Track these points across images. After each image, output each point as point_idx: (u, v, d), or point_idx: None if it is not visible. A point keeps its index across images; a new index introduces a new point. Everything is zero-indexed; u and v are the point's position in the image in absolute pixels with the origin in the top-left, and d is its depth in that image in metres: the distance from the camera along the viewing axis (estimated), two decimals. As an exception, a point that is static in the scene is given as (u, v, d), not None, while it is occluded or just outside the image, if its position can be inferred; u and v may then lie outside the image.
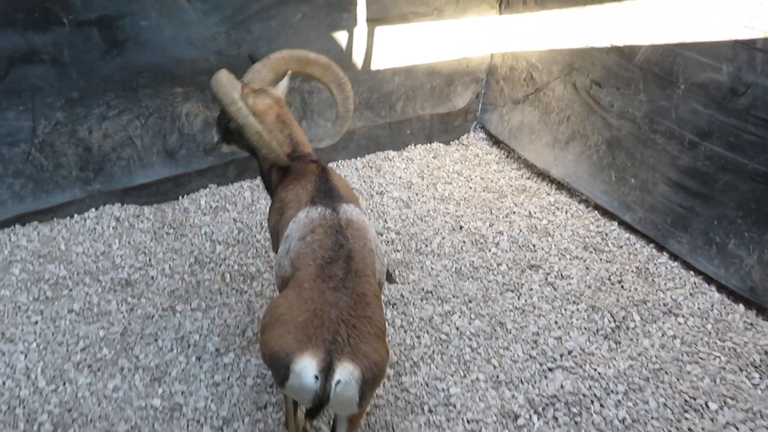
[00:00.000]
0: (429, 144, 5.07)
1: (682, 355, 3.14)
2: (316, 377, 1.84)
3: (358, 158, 4.79)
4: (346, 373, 1.85)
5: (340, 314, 1.95)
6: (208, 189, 4.30)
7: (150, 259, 3.64)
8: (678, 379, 3.00)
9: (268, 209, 2.79)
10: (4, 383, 2.84)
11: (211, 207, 4.14)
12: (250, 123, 2.45)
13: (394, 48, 4.40)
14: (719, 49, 3.24)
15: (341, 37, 4.16)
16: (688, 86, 3.44)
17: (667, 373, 3.04)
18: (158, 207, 4.09)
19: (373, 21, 4.21)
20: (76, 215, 3.90)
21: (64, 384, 2.86)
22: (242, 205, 4.17)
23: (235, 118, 2.45)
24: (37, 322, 3.18)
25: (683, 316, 3.38)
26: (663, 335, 3.26)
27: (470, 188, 4.56)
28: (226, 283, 3.52)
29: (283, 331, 1.94)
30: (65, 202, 3.82)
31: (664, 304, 3.46)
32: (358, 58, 4.32)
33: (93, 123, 3.66)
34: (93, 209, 3.95)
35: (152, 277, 3.52)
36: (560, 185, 4.55)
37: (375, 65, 4.41)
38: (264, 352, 2.02)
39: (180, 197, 4.20)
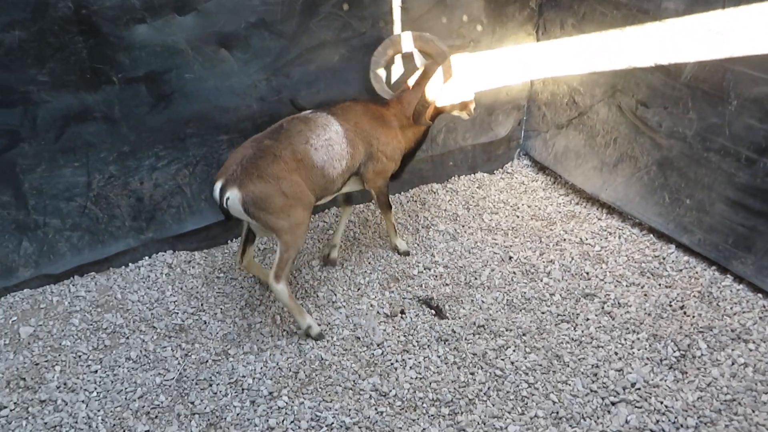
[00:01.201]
0: (473, 174, 5.03)
1: (756, 384, 2.95)
2: (219, 194, 3.12)
3: (402, 193, 4.79)
4: (231, 194, 3.09)
5: (241, 160, 3.13)
6: (256, 231, 4.36)
7: (202, 304, 3.69)
8: (753, 411, 2.82)
9: None
10: (66, 434, 2.90)
11: (259, 249, 4.19)
12: None
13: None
14: (772, 62, 3.12)
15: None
16: (740, 102, 3.31)
17: (740, 404, 2.86)
18: (208, 252, 4.17)
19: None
20: (130, 264, 4.01)
21: (124, 432, 2.90)
22: (290, 246, 4.19)
23: None
24: (96, 371, 3.25)
25: (754, 342, 3.19)
26: (733, 363, 3.08)
27: (517, 217, 4.48)
28: (276, 325, 3.53)
29: (222, 166, 3.28)
30: (120, 252, 3.93)
31: (732, 330, 3.27)
32: (397, 95, 4.33)
33: (144, 174, 3.79)
34: (146, 257, 4.05)
35: (205, 322, 3.57)
36: (611, 209, 4.42)
37: (414, 100, 4.41)
38: None
39: (229, 241, 4.27)
